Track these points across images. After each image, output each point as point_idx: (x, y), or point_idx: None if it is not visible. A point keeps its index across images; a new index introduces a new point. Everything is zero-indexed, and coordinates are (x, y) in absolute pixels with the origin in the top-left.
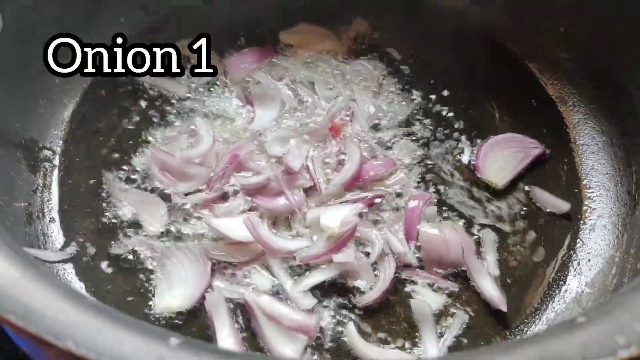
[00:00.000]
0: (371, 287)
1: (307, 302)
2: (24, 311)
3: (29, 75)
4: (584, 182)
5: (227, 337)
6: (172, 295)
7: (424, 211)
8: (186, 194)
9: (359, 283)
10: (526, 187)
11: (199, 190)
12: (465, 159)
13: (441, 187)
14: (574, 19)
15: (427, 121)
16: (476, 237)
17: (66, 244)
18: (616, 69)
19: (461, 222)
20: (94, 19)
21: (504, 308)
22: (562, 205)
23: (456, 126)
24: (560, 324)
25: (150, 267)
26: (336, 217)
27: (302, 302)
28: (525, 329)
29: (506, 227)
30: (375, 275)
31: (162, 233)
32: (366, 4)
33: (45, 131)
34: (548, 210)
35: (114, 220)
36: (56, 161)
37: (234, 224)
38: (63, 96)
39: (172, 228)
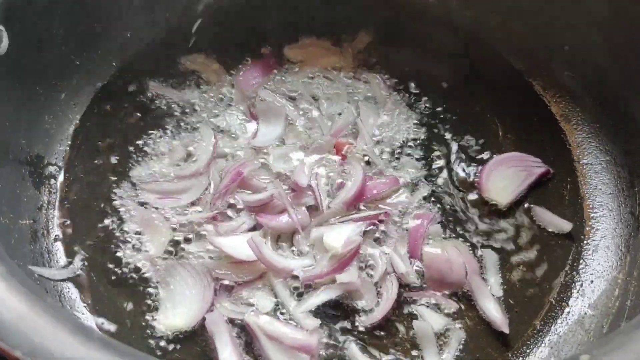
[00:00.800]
0: (374, 307)
1: (311, 322)
2: (31, 348)
3: (35, 91)
4: (587, 202)
5: (229, 357)
6: (175, 313)
7: (428, 230)
8: (188, 207)
9: (362, 303)
10: (528, 206)
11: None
12: (468, 177)
13: (444, 206)
14: (578, 37)
15: (431, 137)
16: (479, 256)
17: (70, 262)
18: (621, 88)
19: (464, 241)
20: (101, 34)
21: (506, 330)
22: (563, 225)
23: (460, 143)
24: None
25: (153, 285)
26: (340, 236)
27: (306, 323)
28: (528, 350)
29: (508, 247)
30: (379, 294)
31: (165, 251)
32: (370, 17)
33: (50, 147)
34: (550, 230)
35: (118, 236)
36: (61, 177)
37: (238, 243)
38: (69, 111)
39: (176, 246)
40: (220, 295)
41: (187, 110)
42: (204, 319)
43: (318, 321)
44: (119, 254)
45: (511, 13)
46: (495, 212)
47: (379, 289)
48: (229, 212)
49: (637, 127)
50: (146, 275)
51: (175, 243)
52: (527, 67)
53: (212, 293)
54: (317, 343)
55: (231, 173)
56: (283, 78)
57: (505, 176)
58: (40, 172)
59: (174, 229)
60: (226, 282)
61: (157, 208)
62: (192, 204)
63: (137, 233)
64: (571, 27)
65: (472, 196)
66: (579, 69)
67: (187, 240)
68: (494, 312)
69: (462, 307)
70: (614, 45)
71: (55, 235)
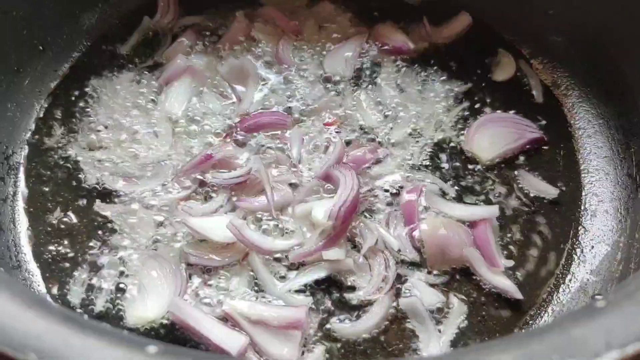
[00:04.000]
0: (366, 285)
1: (301, 298)
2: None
3: None
4: (582, 167)
5: (219, 332)
6: (145, 305)
7: (421, 202)
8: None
9: (354, 280)
10: (515, 172)
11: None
12: (458, 146)
13: (436, 180)
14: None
15: (420, 111)
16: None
17: (38, 254)
18: (608, 49)
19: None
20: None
21: (519, 295)
22: (550, 190)
23: (448, 116)
24: (580, 310)
25: (124, 276)
26: (327, 209)
27: (295, 299)
28: (531, 321)
29: (505, 215)
30: (371, 270)
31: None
32: None
33: (14, 136)
34: (536, 195)
35: (85, 228)
36: (26, 167)
37: (214, 224)
38: (33, 99)
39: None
40: (194, 282)
41: (153, 98)
42: None
43: (309, 298)
44: (87, 244)
45: None
46: (490, 181)
47: (370, 265)
48: (205, 193)
49: (628, 87)
50: (116, 264)
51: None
52: (514, 35)
53: (184, 282)
54: (306, 316)
55: (200, 156)
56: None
57: (494, 134)
58: (3, 163)
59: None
60: (201, 267)
61: (125, 194)
62: (163, 185)
63: (107, 222)
64: None
65: (465, 168)
66: (565, 33)
67: (161, 225)
68: (503, 281)
69: (461, 283)
70: (599, 5)
71: (22, 228)
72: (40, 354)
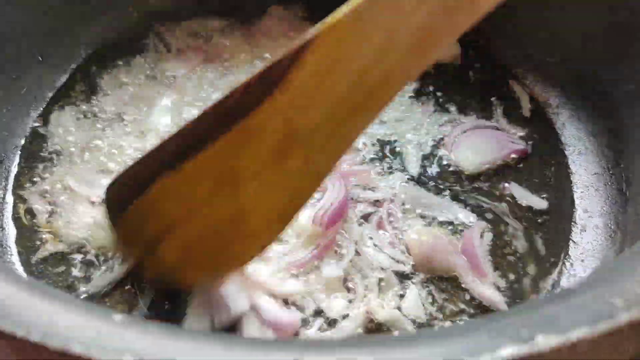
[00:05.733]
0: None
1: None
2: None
3: None
4: (572, 183)
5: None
6: None
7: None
8: None
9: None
10: (506, 184)
11: None
12: (445, 160)
13: (426, 191)
14: (554, 23)
15: (409, 128)
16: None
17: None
18: (597, 68)
19: (448, 226)
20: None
21: (503, 307)
22: (539, 203)
23: (437, 129)
24: (557, 293)
25: None
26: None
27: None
28: None
29: (495, 229)
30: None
31: None
32: None
33: (8, 142)
34: (524, 208)
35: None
36: (18, 173)
37: None
38: (30, 106)
39: None
40: None
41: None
42: None
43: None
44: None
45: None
46: (478, 192)
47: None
48: None
49: (616, 105)
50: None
51: None
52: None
53: None
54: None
55: None
56: None
57: (476, 144)
58: None
59: None
60: None
61: None
62: None
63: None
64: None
65: (453, 180)
66: (555, 52)
67: None
68: (487, 291)
69: (450, 295)
70: (590, 26)
71: (10, 231)
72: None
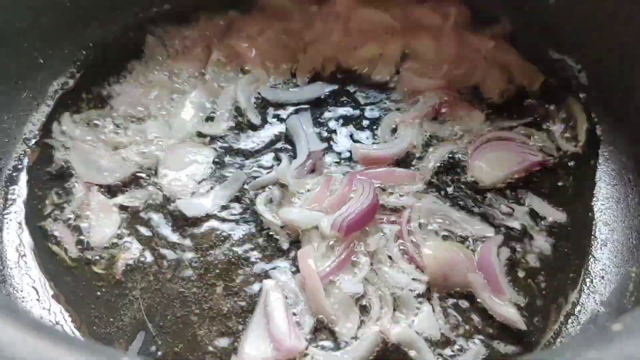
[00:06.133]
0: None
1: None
2: None
3: None
4: (593, 195)
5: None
6: None
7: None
8: None
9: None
10: (524, 196)
11: None
12: (462, 171)
13: (443, 204)
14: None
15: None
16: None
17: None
18: (619, 78)
19: (464, 240)
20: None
21: (522, 326)
22: (559, 216)
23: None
24: (595, 333)
25: None
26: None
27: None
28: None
29: (512, 244)
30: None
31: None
32: None
33: (9, 148)
34: (543, 221)
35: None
36: (21, 179)
37: None
38: (31, 111)
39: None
40: None
41: (141, 108)
42: None
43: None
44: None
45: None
46: (497, 206)
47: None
48: None
49: (638, 115)
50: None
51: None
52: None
53: None
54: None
55: None
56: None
57: (495, 157)
58: None
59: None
60: None
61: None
62: None
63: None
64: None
65: (472, 194)
66: (577, 61)
67: None
68: (507, 309)
69: (467, 313)
70: (611, 37)
71: (12, 238)
72: None
